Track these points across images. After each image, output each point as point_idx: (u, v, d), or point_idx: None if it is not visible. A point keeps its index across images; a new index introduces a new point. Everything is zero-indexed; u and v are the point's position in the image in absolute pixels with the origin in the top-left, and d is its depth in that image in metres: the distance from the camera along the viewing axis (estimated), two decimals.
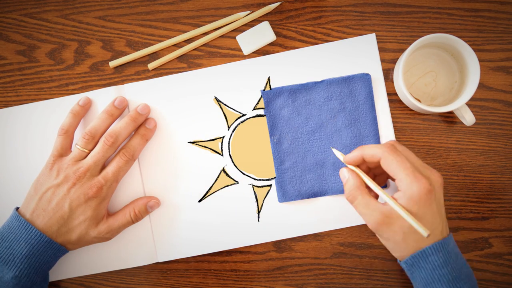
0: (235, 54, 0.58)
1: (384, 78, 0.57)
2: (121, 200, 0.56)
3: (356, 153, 0.48)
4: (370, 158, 0.47)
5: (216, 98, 0.57)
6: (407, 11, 0.57)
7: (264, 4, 0.58)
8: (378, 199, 0.48)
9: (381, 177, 0.52)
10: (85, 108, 0.56)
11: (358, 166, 0.49)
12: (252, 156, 0.57)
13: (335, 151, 0.52)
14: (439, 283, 0.45)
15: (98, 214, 0.52)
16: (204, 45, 0.58)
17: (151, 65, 0.57)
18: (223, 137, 0.57)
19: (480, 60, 0.52)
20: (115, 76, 0.58)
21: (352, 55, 0.57)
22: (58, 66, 0.58)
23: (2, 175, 0.57)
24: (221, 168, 0.57)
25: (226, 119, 0.57)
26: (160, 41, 0.58)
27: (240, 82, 0.57)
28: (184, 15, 0.58)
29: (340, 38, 0.57)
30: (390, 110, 0.57)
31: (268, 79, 0.57)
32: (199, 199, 0.57)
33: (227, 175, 0.57)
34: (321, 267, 0.57)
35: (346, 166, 0.50)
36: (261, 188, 0.57)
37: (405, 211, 0.43)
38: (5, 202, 0.57)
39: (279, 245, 0.57)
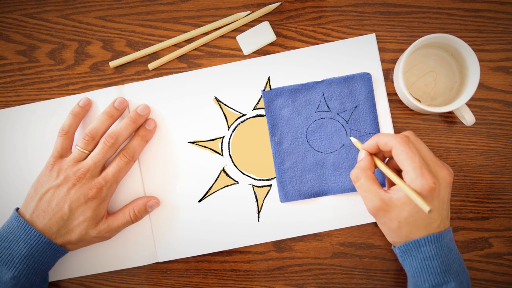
0: (235, 54, 0.58)
1: (384, 78, 0.57)
2: (121, 200, 0.56)
3: (372, 141, 0.48)
4: (383, 146, 0.47)
5: (216, 98, 0.57)
6: (407, 11, 0.57)
7: (264, 4, 0.58)
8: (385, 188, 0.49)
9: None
10: (85, 109, 0.56)
11: (375, 154, 0.50)
12: (252, 156, 0.57)
13: (353, 139, 0.52)
14: (427, 273, 0.46)
15: (98, 215, 0.52)
16: (204, 45, 0.58)
17: (151, 65, 0.57)
18: (223, 137, 0.57)
19: (480, 60, 0.52)
20: (115, 76, 0.58)
21: (352, 55, 0.57)
22: (58, 66, 0.58)
23: (2, 175, 0.57)
24: (221, 168, 0.57)
25: (226, 119, 0.57)
26: (160, 41, 0.58)
27: (240, 82, 0.57)
28: (184, 15, 0.58)
29: (340, 38, 0.57)
30: (390, 110, 0.57)
31: (268, 79, 0.57)
32: (199, 199, 0.57)
33: (227, 175, 0.57)
34: (321, 267, 0.57)
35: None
36: (261, 188, 0.57)
37: (412, 190, 0.44)
38: (5, 202, 0.57)
39: (279, 245, 0.57)
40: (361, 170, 0.48)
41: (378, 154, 0.50)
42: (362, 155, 0.49)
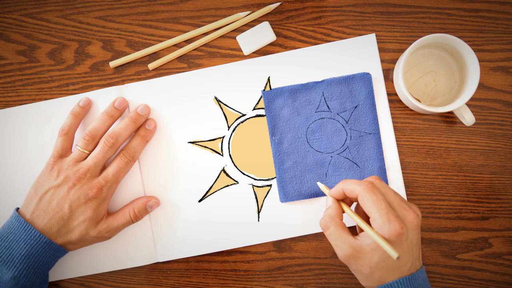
0: (235, 54, 0.58)
1: (384, 78, 0.57)
2: (121, 200, 0.56)
3: (338, 187, 0.48)
4: (349, 193, 0.47)
5: (216, 98, 0.57)
6: (407, 11, 0.57)
7: (264, 4, 0.58)
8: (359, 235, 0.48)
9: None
10: (85, 109, 0.56)
11: (343, 200, 0.49)
12: (252, 156, 0.57)
13: (319, 184, 0.52)
14: None
15: (98, 215, 0.52)
16: (204, 45, 0.58)
17: (151, 65, 0.57)
18: (223, 137, 0.57)
19: (480, 60, 0.52)
20: (116, 76, 0.58)
21: (352, 55, 0.57)
22: (59, 66, 0.58)
23: (2, 176, 0.57)
24: (221, 168, 0.57)
25: (226, 119, 0.57)
26: (160, 41, 0.58)
27: (240, 82, 0.57)
28: (184, 15, 0.58)
29: (340, 38, 0.57)
30: (390, 110, 0.57)
31: (268, 79, 0.57)
32: (199, 199, 0.57)
33: (227, 175, 0.57)
34: (321, 267, 0.57)
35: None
36: (261, 188, 0.57)
37: (379, 236, 0.44)
38: (5, 202, 0.57)
39: (279, 245, 0.57)
40: (330, 219, 0.47)
41: (346, 199, 0.50)
42: (330, 203, 0.49)
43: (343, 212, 0.48)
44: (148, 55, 0.58)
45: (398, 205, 0.46)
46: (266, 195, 0.57)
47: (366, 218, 0.47)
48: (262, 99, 0.57)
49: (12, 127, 0.57)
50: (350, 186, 0.47)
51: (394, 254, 0.42)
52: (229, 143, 0.57)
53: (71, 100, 0.57)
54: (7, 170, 0.57)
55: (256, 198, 0.57)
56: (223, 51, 0.58)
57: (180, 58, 0.58)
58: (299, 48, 0.57)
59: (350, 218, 0.47)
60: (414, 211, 0.46)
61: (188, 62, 0.58)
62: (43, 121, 0.57)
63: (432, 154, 0.57)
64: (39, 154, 0.57)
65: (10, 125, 0.57)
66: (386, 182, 0.56)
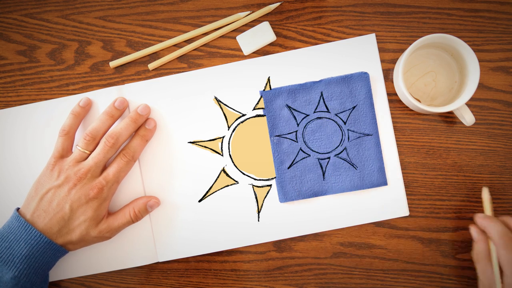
0: (235, 54, 0.58)
1: (384, 78, 0.57)
2: (121, 200, 0.56)
3: (486, 223, 0.50)
4: (489, 235, 0.49)
5: (216, 98, 0.57)
6: (407, 11, 0.57)
7: (264, 4, 0.58)
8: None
9: None
10: (86, 109, 0.56)
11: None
12: (252, 156, 0.57)
13: (485, 196, 0.53)
14: None
15: (99, 215, 0.52)
16: (204, 45, 0.58)
17: (151, 65, 0.57)
18: (223, 137, 0.57)
19: (479, 60, 0.52)
20: (116, 76, 0.58)
21: (352, 55, 0.57)
22: (59, 66, 0.58)
23: (2, 175, 0.57)
24: (221, 168, 0.57)
25: (226, 119, 0.57)
26: (161, 41, 0.58)
27: (240, 82, 0.57)
28: (184, 15, 0.58)
29: (340, 38, 0.57)
30: (390, 110, 0.57)
31: (268, 79, 0.57)
32: (199, 199, 0.57)
33: (227, 175, 0.57)
34: (321, 267, 0.57)
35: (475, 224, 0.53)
36: (261, 188, 0.57)
37: None
38: (4, 202, 0.57)
39: (279, 245, 0.57)
40: (485, 256, 0.50)
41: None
42: (477, 237, 0.52)
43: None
44: (148, 55, 0.58)
45: None
46: (266, 195, 0.57)
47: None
48: (262, 99, 0.57)
49: (12, 127, 0.57)
50: (492, 229, 0.49)
51: None
52: (229, 143, 0.57)
53: (71, 100, 0.57)
54: (7, 170, 0.57)
55: (256, 198, 0.57)
56: (223, 51, 0.58)
57: (180, 58, 0.58)
58: (299, 48, 0.57)
59: (493, 266, 0.49)
60: None
61: (188, 62, 0.58)
62: (43, 121, 0.57)
63: (432, 154, 0.57)
64: (39, 154, 0.57)
65: (10, 125, 0.57)
66: (386, 183, 0.56)
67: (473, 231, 0.52)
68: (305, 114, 0.56)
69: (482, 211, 0.56)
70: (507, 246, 0.47)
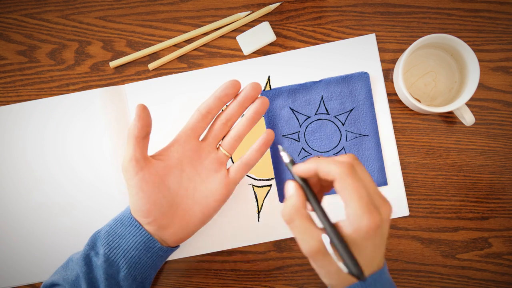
0: (235, 54, 0.58)
1: (384, 78, 0.57)
2: (121, 200, 0.56)
3: (310, 166, 0.41)
4: (324, 175, 0.40)
5: None
6: (407, 11, 0.57)
7: (264, 5, 0.58)
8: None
9: (329, 187, 0.45)
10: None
11: (307, 179, 0.42)
12: None
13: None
14: None
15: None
16: (205, 45, 0.58)
17: (151, 65, 0.57)
18: None
19: (479, 60, 0.52)
20: (116, 76, 0.58)
21: (352, 55, 0.57)
22: (59, 66, 0.58)
23: (2, 175, 0.57)
24: None
25: None
26: (161, 41, 0.58)
27: (240, 82, 0.57)
28: (184, 15, 0.58)
29: (340, 38, 0.57)
30: (390, 110, 0.57)
31: (268, 79, 0.57)
32: None
33: None
34: None
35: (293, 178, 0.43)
36: (261, 188, 0.57)
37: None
38: (5, 202, 0.57)
39: (279, 245, 0.57)
40: (295, 210, 0.40)
41: (311, 179, 0.43)
42: (292, 190, 0.41)
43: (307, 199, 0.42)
44: (148, 55, 0.58)
45: (375, 193, 0.41)
46: (266, 195, 0.57)
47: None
48: None
49: (12, 125, 0.57)
50: (325, 168, 0.40)
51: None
52: None
53: (71, 98, 0.57)
54: (7, 170, 0.57)
55: (256, 198, 0.57)
56: (223, 51, 0.58)
57: (180, 58, 0.58)
58: (299, 48, 0.57)
59: (316, 215, 0.41)
60: (388, 201, 0.42)
61: (188, 62, 0.58)
62: (44, 119, 0.57)
63: (432, 154, 0.57)
64: (39, 152, 0.57)
65: (10, 123, 0.57)
66: (386, 183, 0.56)
67: (289, 185, 0.42)
68: (306, 116, 0.56)
69: (482, 211, 0.56)
70: (353, 175, 0.40)
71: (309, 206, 0.42)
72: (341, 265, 0.38)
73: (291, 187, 0.42)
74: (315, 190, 0.44)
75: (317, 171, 0.41)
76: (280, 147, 0.45)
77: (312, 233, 0.40)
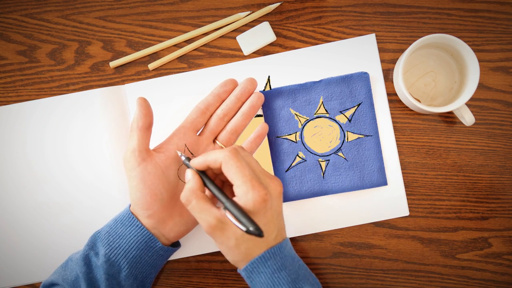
0: (235, 54, 0.58)
1: (384, 78, 0.57)
2: (121, 200, 0.56)
3: (201, 159, 0.46)
4: (213, 164, 0.45)
5: None
6: (407, 12, 0.57)
7: (264, 5, 0.58)
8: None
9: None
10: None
11: (206, 171, 0.47)
12: None
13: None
14: (279, 285, 0.45)
15: None
16: (205, 45, 0.58)
17: (151, 65, 0.58)
18: None
19: (479, 60, 0.52)
20: (116, 76, 0.58)
21: (352, 55, 0.57)
22: (59, 66, 0.58)
23: (2, 175, 0.57)
24: None
25: None
26: (161, 41, 0.58)
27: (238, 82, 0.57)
28: (184, 16, 0.58)
29: (340, 38, 0.57)
30: (390, 110, 0.57)
31: (268, 79, 0.57)
32: None
33: None
34: (321, 267, 0.57)
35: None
36: None
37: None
38: (4, 201, 0.57)
39: None
40: (191, 192, 0.45)
41: (208, 171, 0.48)
42: (189, 176, 0.46)
43: (205, 184, 0.46)
44: (148, 55, 0.58)
45: (261, 173, 0.46)
46: None
47: (230, 188, 0.46)
48: None
49: (12, 125, 0.57)
50: (212, 156, 0.45)
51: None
52: None
53: (71, 98, 0.57)
54: (7, 169, 0.57)
55: None
56: (223, 51, 0.58)
57: (180, 58, 0.58)
58: (299, 48, 0.57)
59: (211, 191, 0.46)
60: (276, 179, 0.46)
61: (188, 62, 0.58)
62: (44, 119, 0.57)
63: (432, 154, 0.57)
64: (39, 152, 0.57)
65: (10, 122, 0.57)
66: (386, 182, 0.56)
67: (187, 172, 0.47)
68: (306, 116, 0.56)
69: (482, 211, 0.56)
70: (236, 156, 0.44)
71: (208, 192, 0.47)
72: (240, 226, 0.42)
73: (188, 174, 0.47)
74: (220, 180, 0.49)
75: (207, 162, 0.46)
76: (178, 152, 0.50)
77: (209, 211, 0.44)
